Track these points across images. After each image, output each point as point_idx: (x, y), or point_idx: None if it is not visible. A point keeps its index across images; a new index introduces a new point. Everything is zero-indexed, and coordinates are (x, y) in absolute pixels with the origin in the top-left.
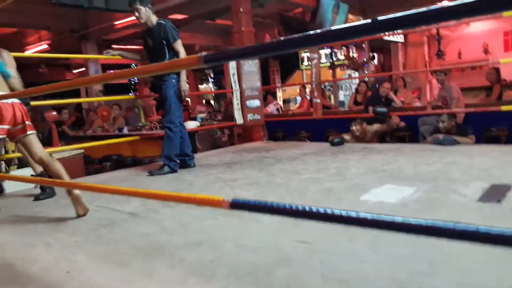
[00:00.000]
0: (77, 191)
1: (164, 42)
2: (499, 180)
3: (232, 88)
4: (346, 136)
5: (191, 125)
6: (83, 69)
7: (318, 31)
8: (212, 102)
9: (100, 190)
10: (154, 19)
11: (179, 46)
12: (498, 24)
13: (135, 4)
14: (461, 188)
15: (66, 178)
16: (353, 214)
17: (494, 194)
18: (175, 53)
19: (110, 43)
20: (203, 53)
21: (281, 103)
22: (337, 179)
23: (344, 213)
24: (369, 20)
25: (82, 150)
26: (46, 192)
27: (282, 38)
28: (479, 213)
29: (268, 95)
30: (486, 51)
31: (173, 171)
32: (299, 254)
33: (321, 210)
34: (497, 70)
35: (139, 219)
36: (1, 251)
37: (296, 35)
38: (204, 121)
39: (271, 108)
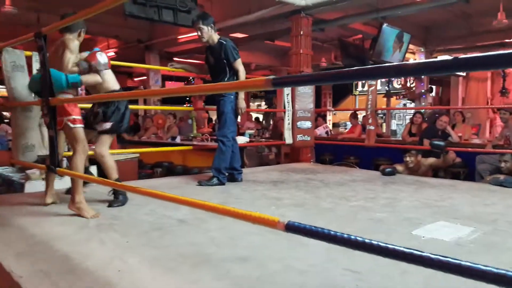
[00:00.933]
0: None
1: (225, 61)
2: None
3: (284, 107)
4: (399, 167)
5: (240, 140)
6: (144, 77)
7: (394, 64)
8: (260, 119)
9: (155, 195)
10: (215, 37)
11: (239, 65)
12: None
13: (198, 24)
14: None
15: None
16: (416, 253)
17: None
18: (235, 72)
19: (171, 55)
20: (272, 76)
21: (330, 126)
22: (387, 210)
23: (407, 251)
24: (449, 58)
25: (138, 155)
26: (119, 200)
27: (354, 68)
28: None
29: (318, 117)
30: None
31: (221, 183)
32: (347, 282)
33: (382, 245)
34: None
35: (188, 226)
36: (61, 243)
37: (366, 67)
38: (252, 137)
39: (320, 131)
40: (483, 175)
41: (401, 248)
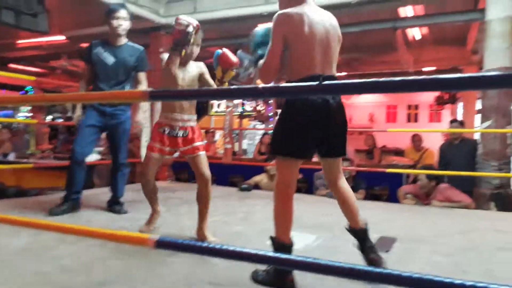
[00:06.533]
0: None
1: (134, 67)
2: (386, 233)
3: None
4: (258, 177)
5: (89, 158)
6: None
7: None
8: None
9: None
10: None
11: (145, 77)
12: (383, 98)
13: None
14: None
15: None
16: (261, 253)
17: (383, 245)
18: (137, 82)
19: (8, 61)
20: (149, 89)
21: None
22: (244, 223)
23: (253, 252)
24: (259, 86)
25: None
26: None
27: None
28: None
29: None
30: (371, 120)
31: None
32: None
33: (229, 248)
34: (373, 136)
35: (32, 255)
36: None
37: (207, 88)
38: (103, 154)
39: None
40: (319, 189)
41: (255, 252)
